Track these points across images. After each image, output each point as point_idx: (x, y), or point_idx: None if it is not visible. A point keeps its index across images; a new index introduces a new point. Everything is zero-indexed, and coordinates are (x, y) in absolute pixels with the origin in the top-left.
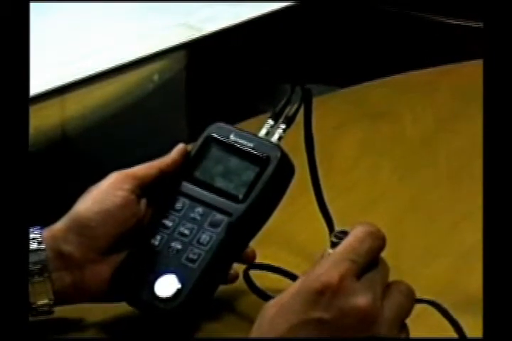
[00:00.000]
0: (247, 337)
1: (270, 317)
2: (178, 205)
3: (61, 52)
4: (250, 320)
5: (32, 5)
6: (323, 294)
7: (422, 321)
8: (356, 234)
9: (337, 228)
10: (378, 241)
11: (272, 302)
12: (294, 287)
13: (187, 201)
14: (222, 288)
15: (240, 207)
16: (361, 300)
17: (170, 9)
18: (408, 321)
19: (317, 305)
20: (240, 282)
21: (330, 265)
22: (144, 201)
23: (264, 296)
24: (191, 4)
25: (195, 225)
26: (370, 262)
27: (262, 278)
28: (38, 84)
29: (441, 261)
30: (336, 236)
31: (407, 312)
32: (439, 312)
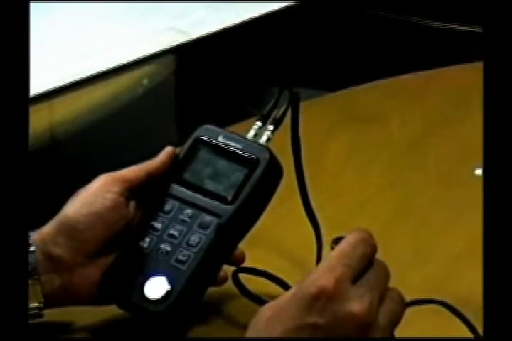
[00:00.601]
0: (242, 338)
1: (265, 321)
2: (167, 207)
3: (50, 56)
4: (239, 323)
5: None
6: (319, 299)
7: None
8: (349, 240)
9: (324, 232)
10: (370, 248)
11: (267, 306)
12: (290, 292)
13: (176, 203)
14: (211, 290)
15: (229, 209)
16: (356, 305)
17: (158, 13)
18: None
19: (312, 310)
20: (230, 285)
21: (325, 270)
22: (132, 203)
23: (254, 298)
24: (180, 9)
25: (184, 227)
26: (364, 267)
27: (249, 281)
28: None
29: (431, 265)
30: (335, 243)
31: (399, 319)
32: (450, 311)
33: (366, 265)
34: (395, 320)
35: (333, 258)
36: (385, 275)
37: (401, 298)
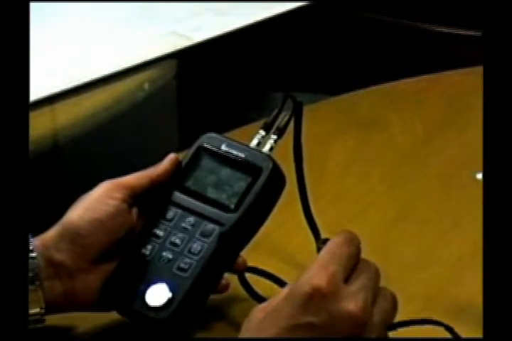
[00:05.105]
0: (243, 337)
1: (258, 321)
2: (170, 215)
3: (51, 61)
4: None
5: None
6: (313, 298)
7: None
8: (334, 241)
9: (326, 236)
10: (355, 248)
11: (260, 306)
12: (283, 292)
13: (178, 211)
14: (213, 297)
15: (232, 217)
16: (351, 304)
17: (160, 18)
18: None
19: (307, 310)
20: (231, 291)
21: (317, 269)
22: (135, 210)
23: (260, 299)
24: (181, 13)
25: (186, 235)
26: (351, 266)
27: (254, 284)
28: None
29: (431, 270)
30: (322, 243)
31: (392, 318)
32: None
33: (353, 264)
34: (389, 318)
35: (324, 258)
36: (376, 274)
37: (393, 297)
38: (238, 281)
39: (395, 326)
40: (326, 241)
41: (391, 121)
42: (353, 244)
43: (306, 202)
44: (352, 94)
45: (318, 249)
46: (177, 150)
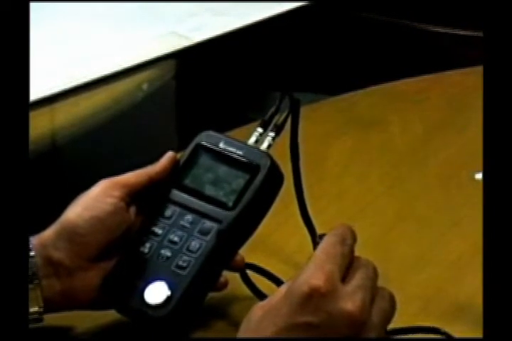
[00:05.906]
0: (242, 338)
1: (257, 320)
2: (168, 213)
3: (50, 61)
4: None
5: None
6: (311, 298)
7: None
8: (327, 240)
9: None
10: (348, 247)
11: (258, 305)
12: (281, 291)
13: (177, 209)
14: (212, 296)
15: (230, 215)
16: (349, 304)
17: (159, 18)
18: None
19: (305, 309)
20: (230, 291)
21: (314, 269)
22: (133, 208)
23: (262, 296)
24: (180, 13)
25: (184, 233)
26: (347, 265)
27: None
28: None
29: (430, 270)
30: (320, 238)
31: (391, 318)
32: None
33: (348, 263)
34: (387, 318)
35: (319, 258)
36: (374, 274)
37: (391, 296)
38: (238, 280)
39: (392, 333)
40: (323, 236)
41: (390, 121)
42: (346, 243)
43: (303, 201)
44: (351, 94)
45: (316, 244)
46: (176, 150)
